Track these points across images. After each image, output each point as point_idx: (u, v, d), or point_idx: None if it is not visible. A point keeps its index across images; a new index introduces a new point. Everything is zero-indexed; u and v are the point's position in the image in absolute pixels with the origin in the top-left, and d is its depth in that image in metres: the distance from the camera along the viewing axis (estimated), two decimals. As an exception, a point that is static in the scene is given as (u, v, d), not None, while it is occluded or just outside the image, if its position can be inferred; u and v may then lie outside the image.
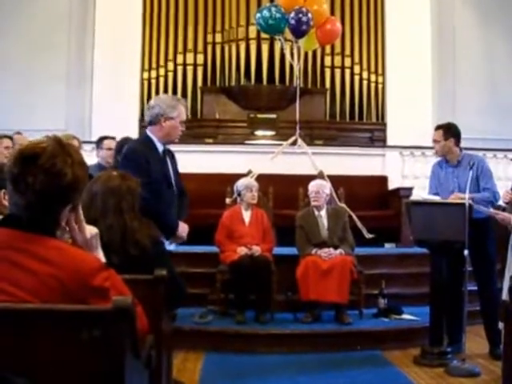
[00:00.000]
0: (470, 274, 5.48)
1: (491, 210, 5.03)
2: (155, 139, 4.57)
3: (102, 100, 10.74)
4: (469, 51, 12.02)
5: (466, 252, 5.11)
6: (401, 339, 6.17)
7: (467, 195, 5.16)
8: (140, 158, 4.48)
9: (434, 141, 5.85)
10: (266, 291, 6.33)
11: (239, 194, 6.83)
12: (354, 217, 7.57)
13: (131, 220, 3.32)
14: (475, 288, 5.82)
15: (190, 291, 5.69)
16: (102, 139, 6.67)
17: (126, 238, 3.26)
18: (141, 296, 2.70)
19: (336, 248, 6.49)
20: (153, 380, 2.91)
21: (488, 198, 5.56)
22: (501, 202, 5.30)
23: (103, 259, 2.63)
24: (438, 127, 5.91)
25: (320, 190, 6.75)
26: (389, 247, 9.01)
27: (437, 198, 5.56)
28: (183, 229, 4.56)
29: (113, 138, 6.57)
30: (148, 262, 3.19)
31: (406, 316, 6.59)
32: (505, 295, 4.85)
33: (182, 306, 3.70)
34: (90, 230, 2.38)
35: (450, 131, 5.81)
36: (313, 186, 6.82)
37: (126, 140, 5.83)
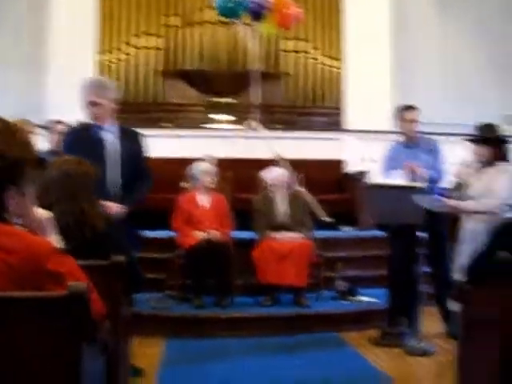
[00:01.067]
0: (425, 256, 5.55)
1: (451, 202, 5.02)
2: (93, 122, 4.75)
3: (58, 84, 10.55)
4: (427, 37, 12.12)
5: (422, 235, 5.18)
6: (359, 321, 6.24)
7: (422, 170, 5.23)
8: (68, 139, 4.80)
9: (416, 120, 5.86)
10: (225, 275, 6.34)
11: (197, 179, 6.79)
12: (312, 200, 7.59)
13: (87, 204, 3.29)
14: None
15: (148, 276, 5.71)
16: (52, 123, 6.54)
17: (81, 222, 3.23)
18: (98, 281, 2.68)
19: (294, 231, 6.52)
20: (110, 366, 2.90)
21: (436, 178, 5.63)
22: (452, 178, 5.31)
23: (59, 244, 2.60)
24: (414, 107, 5.93)
25: (277, 180, 6.73)
26: (346, 230, 9.08)
27: (397, 173, 5.57)
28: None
29: (59, 122, 6.46)
30: (105, 247, 3.17)
31: (364, 298, 6.67)
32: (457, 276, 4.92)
33: (140, 291, 3.68)
34: (43, 215, 2.35)
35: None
36: (270, 178, 6.80)
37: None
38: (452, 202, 4.88)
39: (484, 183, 4.80)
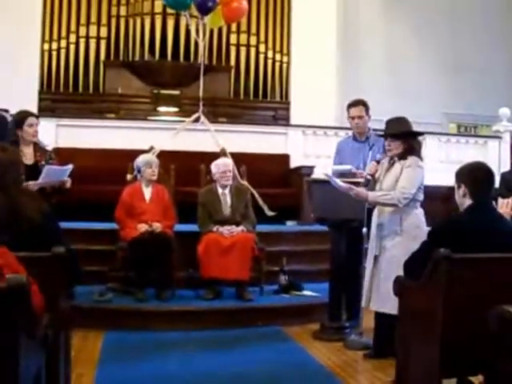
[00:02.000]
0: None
1: (344, 184, 5.00)
2: None
3: (0, 70, 10.39)
4: (373, 34, 12.32)
5: (364, 230, 5.23)
6: (301, 315, 6.28)
7: (367, 172, 5.27)
8: None
9: (359, 117, 5.88)
10: (166, 268, 6.30)
11: (139, 171, 6.73)
12: (256, 194, 7.60)
13: (18, 195, 3.17)
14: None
15: (90, 269, 5.65)
16: None
17: (14, 214, 3.11)
18: (37, 274, 2.64)
19: (238, 225, 6.52)
20: (50, 359, 2.87)
21: None
22: (366, 174, 5.31)
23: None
24: (358, 103, 5.95)
25: (227, 169, 6.71)
26: (290, 225, 9.12)
27: (347, 167, 5.59)
28: None
29: (6, 111, 6.33)
30: (41, 239, 3.08)
31: (306, 292, 6.71)
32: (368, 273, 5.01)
33: (80, 283, 3.62)
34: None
35: (368, 107, 5.97)
36: (219, 165, 6.75)
37: (24, 113, 5.62)
38: (355, 190, 4.87)
39: (392, 177, 4.86)
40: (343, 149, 6.05)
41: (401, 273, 4.29)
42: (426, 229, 4.81)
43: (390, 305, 4.56)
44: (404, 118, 5.02)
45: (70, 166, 5.42)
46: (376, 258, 4.93)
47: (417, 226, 4.82)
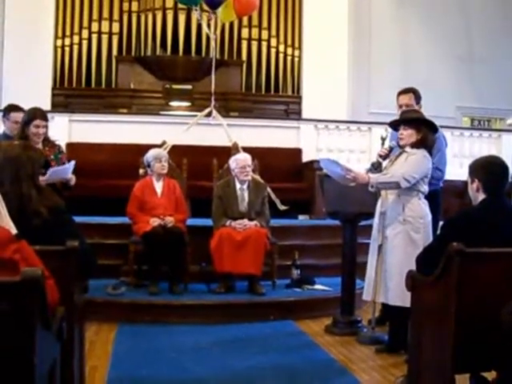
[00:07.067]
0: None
1: (342, 168, 4.91)
2: None
3: (14, 66, 10.47)
4: (384, 28, 12.29)
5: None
6: (313, 309, 6.29)
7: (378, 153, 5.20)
8: None
9: (406, 105, 5.66)
10: (179, 262, 6.32)
11: (149, 165, 6.73)
12: (268, 189, 7.61)
13: (28, 188, 3.21)
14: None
15: (103, 263, 5.67)
16: (9, 111, 6.40)
17: (23, 207, 3.15)
18: (52, 267, 2.66)
19: (251, 220, 6.50)
20: (65, 352, 2.89)
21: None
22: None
23: (13, 230, 2.56)
24: (408, 90, 5.80)
25: (246, 164, 6.66)
26: (302, 219, 9.12)
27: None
28: None
29: (21, 110, 6.34)
30: (49, 233, 3.10)
31: (318, 286, 6.71)
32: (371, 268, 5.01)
33: (93, 276, 3.64)
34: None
35: (419, 96, 5.79)
36: (238, 160, 6.71)
37: (33, 113, 5.62)
38: (354, 173, 4.79)
39: (397, 167, 4.80)
40: (391, 138, 5.86)
41: (404, 264, 4.31)
42: (430, 221, 4.81)
43: (398, 297, 4.60)
44: (417, 110, 4.97)
45: (72, 163, 5.39)
46: (380, 248, 4.93)
47: (420, 217, 4.77)
